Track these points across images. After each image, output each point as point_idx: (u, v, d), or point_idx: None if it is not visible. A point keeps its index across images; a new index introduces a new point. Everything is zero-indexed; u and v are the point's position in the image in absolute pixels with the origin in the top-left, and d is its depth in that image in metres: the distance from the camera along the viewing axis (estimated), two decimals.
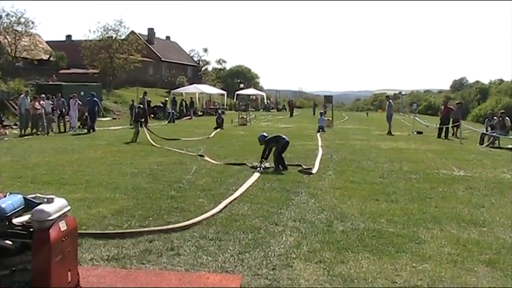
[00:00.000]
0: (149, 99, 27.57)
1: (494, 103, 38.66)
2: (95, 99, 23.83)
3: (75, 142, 16.45)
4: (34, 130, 19.96)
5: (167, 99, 36.51)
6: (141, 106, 19.90)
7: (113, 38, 43.15)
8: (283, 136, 11.00)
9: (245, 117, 29.83)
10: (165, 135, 19.43)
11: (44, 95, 21.95)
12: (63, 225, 3.43)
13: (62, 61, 46.65)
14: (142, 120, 18.16)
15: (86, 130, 21.97)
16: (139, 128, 17.33)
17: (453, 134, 21.34)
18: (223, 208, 6.76)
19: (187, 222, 5.96)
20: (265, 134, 11.33)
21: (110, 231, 5.64)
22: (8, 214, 3.36)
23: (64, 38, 57.81)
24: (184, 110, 36.70)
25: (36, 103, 19.92)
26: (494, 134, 17.90)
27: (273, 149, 10.80)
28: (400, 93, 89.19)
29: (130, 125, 22.69)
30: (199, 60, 74.06)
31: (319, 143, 16.54)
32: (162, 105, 34.52)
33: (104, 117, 28.85)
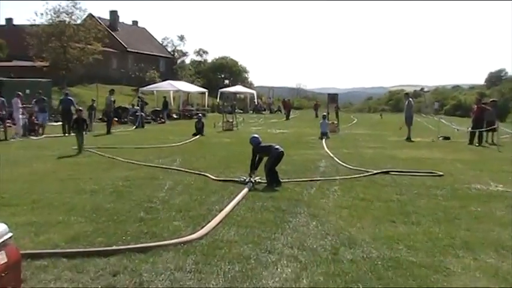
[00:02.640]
0: (113, 99, 27.60)
1: None
2: (69, 98, 23.96)
3: (19, 152, 16.34)
4: None
5: (136, 101, 36.51)
6: (81, 109, 19.65)
7: (66, 22, 43.06)
8: (277, 146, 11.00)
9: (231, 120, 29.84)
10: (131, 143, 19.40)
11: None
12: (2, 257, 3.40)
13: (0, 51, 46.48)
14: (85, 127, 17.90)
15: (34, 138, 22.00)
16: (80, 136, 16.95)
17: (486, 141, 21.49)
18: (206, 234, 6.74)
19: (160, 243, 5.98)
20: (257, 136, 11.30)
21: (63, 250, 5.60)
22: None
23: (3, 22, 57.71)
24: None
25: None
26: None
27: (264, 159, 10.82)
28: (422, 89, 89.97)
29: (67, 133, 23.03)
30: (174, 51, 74.15)
31: (328, 151, 16.74)
32: (131, 106, 34.57)
33: (57, 121, 28.72)
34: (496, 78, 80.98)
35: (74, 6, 43.44)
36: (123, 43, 60.49)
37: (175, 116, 41.03)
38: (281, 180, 10.65)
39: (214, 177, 11.31)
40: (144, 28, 73.49)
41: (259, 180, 10.63)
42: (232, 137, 23.21)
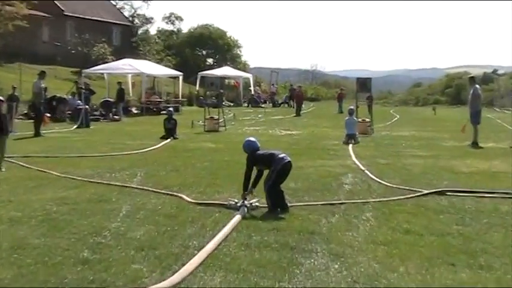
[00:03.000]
0: (44, 85, 27.54)
1: None
2: None
3: None
4: None
5: (78, 88, 36.46)
6: (0, 99, 19.00)
7: None
8: (282, 154, 10.98)
9: (216, 117, 29.87)
10: (72, 150, 19.37)
11: None
12: None
13: None
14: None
15: None
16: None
17: None
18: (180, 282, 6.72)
19: None
20: (254, 140, 11.29)
21: None
22: None
23: None
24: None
25: None
26: None
27: (264, 173, 10.81)
28: (494, 71, 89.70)
29: None
30: (133, 16, 74.31)
31: (357, 162, 16.78)
32: (71, 96, 34.62)
33: None
34: None
35: None
36: (58, 4, 60.43)
37: (135, 111, 41.15)
38: (288, 204, 10.65)
39: (191, 200, 11.31)
40: None
41: (257, 204, 10.63)
42: (219, 141, 23.27)
